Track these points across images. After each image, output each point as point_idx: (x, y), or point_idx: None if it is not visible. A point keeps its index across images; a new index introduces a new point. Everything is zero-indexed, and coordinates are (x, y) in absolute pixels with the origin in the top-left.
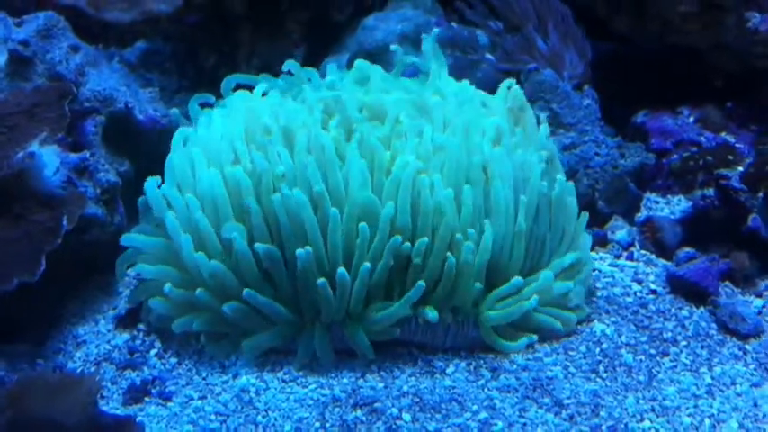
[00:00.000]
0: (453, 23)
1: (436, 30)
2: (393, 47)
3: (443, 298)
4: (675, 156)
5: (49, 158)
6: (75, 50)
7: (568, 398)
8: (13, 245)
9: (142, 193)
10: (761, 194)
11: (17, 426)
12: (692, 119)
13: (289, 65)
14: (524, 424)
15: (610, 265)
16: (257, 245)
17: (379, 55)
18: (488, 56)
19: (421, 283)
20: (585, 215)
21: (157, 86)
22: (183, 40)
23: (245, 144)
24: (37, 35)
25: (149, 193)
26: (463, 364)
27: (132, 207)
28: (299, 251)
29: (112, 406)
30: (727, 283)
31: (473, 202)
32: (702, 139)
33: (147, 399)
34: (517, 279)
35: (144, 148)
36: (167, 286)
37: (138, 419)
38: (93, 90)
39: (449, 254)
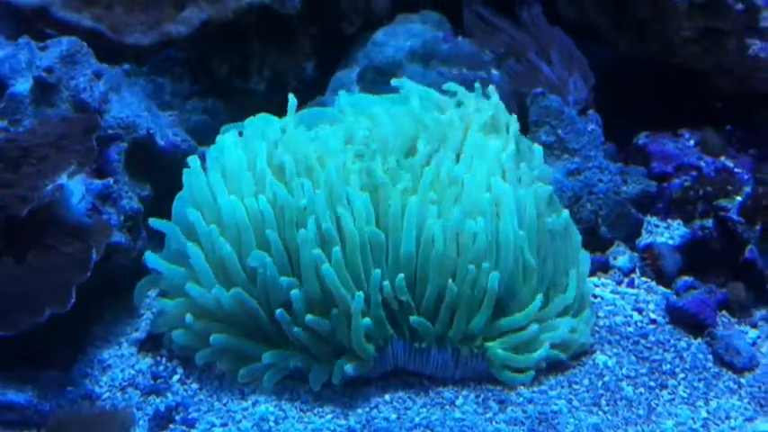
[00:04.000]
0: (460, 38)
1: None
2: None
3: (445, 330)
4: (676, 180)
5: (75, 186)
6: (98, 77)
7: None
8: (44, 276)
9: (162, 215)
10: (758, 227)
11: None
12: (692, 142)
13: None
14: None
15: (611, 292)
16: (282, 278)
17: (388, 71)
18: (494, 71)
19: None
20: (587, 256)
21: (168, 91)
22: (194, 48)
23: (270, 175)
24: (61, 61)
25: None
26: (472, 395)
27: (153, 230)
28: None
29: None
30: (724, 312)
31: (486, 236)
32: (702, 163)
33: (171, 426)
34: (519, 316)
35: (164, 173)
36: (188, 317)
37: None
38: (116, 117)
39: (451, 282)
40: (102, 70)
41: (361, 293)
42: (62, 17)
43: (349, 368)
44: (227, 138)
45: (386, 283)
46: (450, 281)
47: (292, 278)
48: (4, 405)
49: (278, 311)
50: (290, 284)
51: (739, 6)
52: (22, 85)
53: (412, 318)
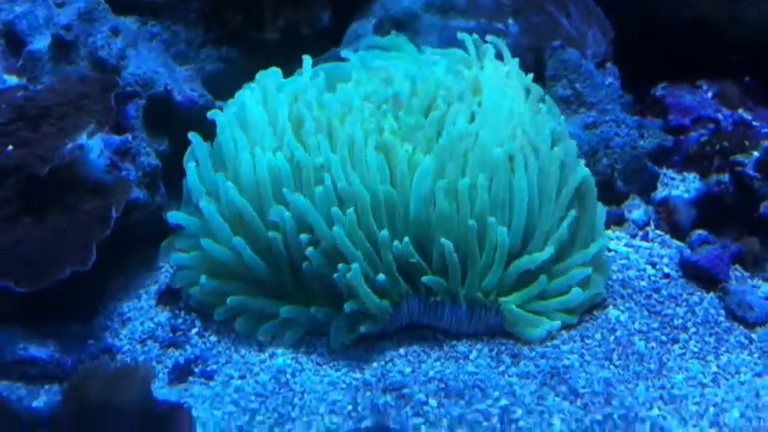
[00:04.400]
0: None
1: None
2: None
3: (458, 286)
4: (693, 134)
5: (94, 142)
6: (115, 34)
7: (583, 387)
8: (65, 235)
9: (180, 170)
10: None
11: (80, 413)
12: (710, 94)
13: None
14: (542, 412)
15: (626, 245)
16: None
17: (405, 23)
18: (511, 22)
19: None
20: (603, 211)
21: (183, 39)
22: None
23: (290, 132)
24: (78, 18)
25: (190, 179)
26: (485, 349)
27: (170, 184)
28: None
29: (159, 386)
30: (737, 266)
31: (490, 192)
32: (720, 116)
33: (190, 378)
34: (542, 279)
35: (181, 128)
36: (203, 278)
37: (186, 405)
38: (133, 74)
39: (444, 240)
40: (119, 26)
41: (357, 265)
42: None
43: (364, 327)
44: (247, 93)
45: (396, 243)
46: (443, 239)
47: (310, 235)
48: (27, 360)
49: (304, 264)
50: (308, 241)
51: None
52: (40, 43)
53: (424, 278)
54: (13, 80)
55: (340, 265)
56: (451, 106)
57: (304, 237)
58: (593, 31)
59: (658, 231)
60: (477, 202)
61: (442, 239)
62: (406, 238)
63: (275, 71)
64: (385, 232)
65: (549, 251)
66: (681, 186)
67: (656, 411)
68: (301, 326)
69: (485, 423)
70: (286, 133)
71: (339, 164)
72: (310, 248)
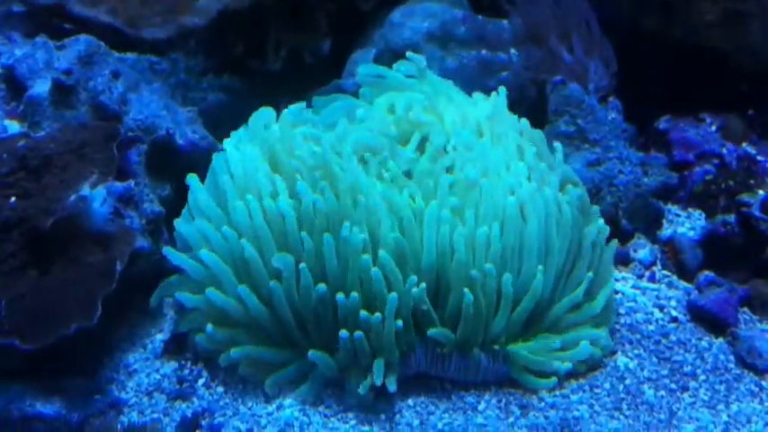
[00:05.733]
0: (480, 17)
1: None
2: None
3: (468, 336)
4: (698, 169)
5: (97, 192)
6: (116, 77)
7: None
8: (69, 289)
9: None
10: None
11: None
12: (713, 127)
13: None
14: None
15: (633, 287)
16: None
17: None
18: (514, 51)
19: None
20: (612, 248)
21: (183, 68)
22: (209, 28)
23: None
24: (79, 62)
25: (185, 233)
26: (494, 400)
27: (173, 229)
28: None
29: None
30: (745, 309)
31: (503, 242)
32: (724, 150)
33: (197, 431)
34: (554, 341)
35: (184, 171)
36: (209, 327)
37: None
38: (135, 119)
39: (467, 291)
40: (119, 70)
41: (395, 294)
42: (79, 12)
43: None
44: (232, 146)
45: (414, 290)
46: (466, 290)
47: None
48: (33, 416)
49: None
50: (326, 291)
51: None
52: (41, 87)
53: (432, 330)
54: (14, 125)
55: (362, 312)
56: (457, 153)
57: (321, 286)
58: (595, 64)
59: (665, 272)
60: (491, 250)
61: (465, 289)
62: (423, 284)
63: (268, 111)
64: (414, 277)
65: (562, 306)
66: (686, 223)
67: None
68: (316, 380)
69: None
70: (297, 179)
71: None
72: (340, 295)
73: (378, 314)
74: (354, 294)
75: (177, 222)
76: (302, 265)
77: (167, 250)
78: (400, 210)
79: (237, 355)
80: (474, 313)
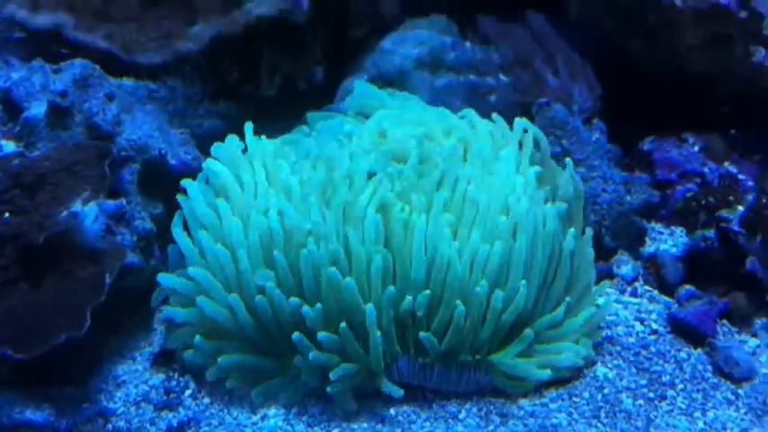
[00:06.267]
0: (468, 44)
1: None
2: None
3: (453, 346)
4: (680, 188)
5: (89, 209)
6: (110, 99)
7: None
8: (60, 301)
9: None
10: (758, 238)
11: None
12: (696, 147)
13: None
14: None
15: (615, 301)
16: (292, 299)
17: (396, 80)
18: (503, 77)
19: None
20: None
21: (181, 95)
22: (204, 52)
23: (275, 196)
24: (74, 85)
25: (181, 244)
26: (474, 409)
27: (165, 247)
28: (311, 308)
29: None
30: (724, 321)
31: (500, 258)
32: (706, 170)
33: None
34: (528, 332)
35: (176, 191)
36: (198, 339)
37: None
38: (128, 139)
39: (459, 303)
40: (113, 93)
41: (372, 305)
42: (75, 38)
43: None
44: (218, 163)
45: (408, 298)
46: (458, 302)
47: (299, 299)
48: (23, 423)
49: (295, 336)
50: (299, 305)
51: (743, 14)
52: (37, 109)
53: (421, 333)
54: (10, 145)
55: (342, 325)
56: (452, 167)
57: (294, 300)
58: (579, 88)
59: (647, 287)
60: (488, 267)
61: (458, 301)
62: (427, 292)
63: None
64: (392, 288)
65: (542, 324)
66: (669, 240)
67: None
68: (297, 390)
69: None
70: (270, 196)
71: (332, 226)
72: (305, 308)
73: (343, 324)
74: (319, 306)
75: (174, 231)
76: (270, 284)
77: (161, 276)
78: (392, 223)
79: (225, 363)
80: (464, 325)
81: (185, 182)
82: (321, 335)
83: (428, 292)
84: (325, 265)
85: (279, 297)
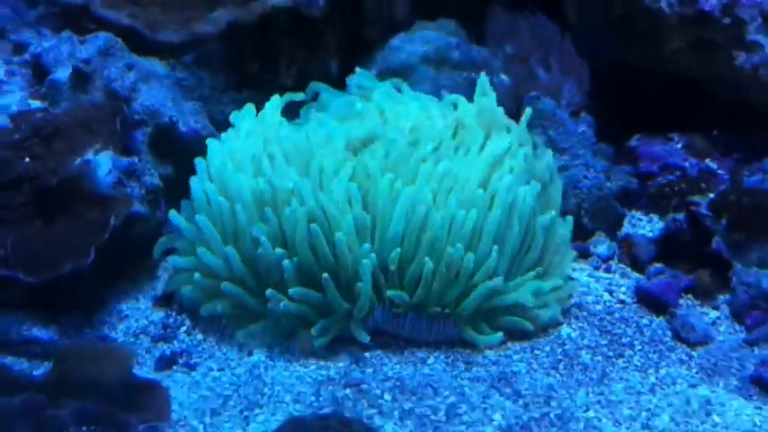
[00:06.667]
0: (473, 46)
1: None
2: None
3: (423, 300)
4: (660, 179)
5: (104, 161)
6: (129, 68)
7: (527, 389)
8: (69, 237)
9: (181, 193)
10: (723, 221)
11: (64, 381)
12: (680, 145)
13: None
14: (485, 408)
15: (588, 275)
16: (277, 249)
17: (402, 73)
18: (503, 76)
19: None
20: (570, 252)
21: (207, 84)
22: (230, 46)
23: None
24: (97, 54)
25: (193, 190)
26: (442, 356)
27: (176, 204)
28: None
29: (145, 371)
30: (689, 296)
31: (474, 225)
32: (687, 164)
33: (174, 367)
34: (497, 281)
35: (185, 155)
36: (196, 275)
37: (163, 384)
38: (142, 104)
39: (427, 259)
40: (133, 63)
41: (368, 261)
42: (102, 15)
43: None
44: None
45: (373, 255)
46: (426, 258)
47: (284, 250)
48: (30, 339)
49: (268, 292)
50: (282, 256)
51: (727, 20)
52: (62, 73)
53: (389, 291)
54: (36, 104)
55: (324, 275)
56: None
57: (279, 251)
58: (569, 84)
59: (621, 265)
60: (462, 231)
61: (426, 259)
62: (398, 249)
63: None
64: (368, 245)
65: (499, 281)
66: (647, 227)
67: (591, 413)
68: (278, 333)
69: (432, 416)
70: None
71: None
72: (286, 261)
73: (326, 275)
74: (295, 260)
75: (192, 180)
76: (263, 237)
77: (172, 213)
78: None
79: (226, 288)
80: (433, 280)
81: (209, 140)
82: (292, 290)
83: (399, 249)
84: (302, 221)
85: (268, 249)
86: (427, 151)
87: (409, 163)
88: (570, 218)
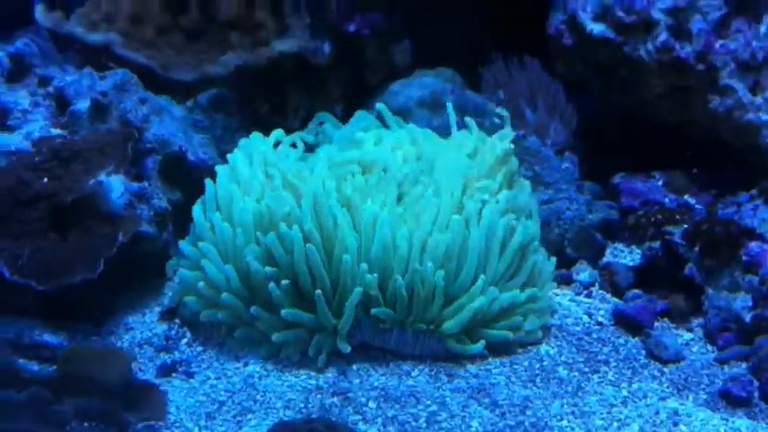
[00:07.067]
0: (468, 92)
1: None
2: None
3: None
4: (641, 212)
5: (117, 185)
6: (142, 102)
7: (504, 399)
8: (80, 250)
9: (189, 219)
10: (696, 248)
11: (67, 380)
12: (660, 182)
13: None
14: (464, 417)
15: (569, 300)
16: (267, 268)
17: (399, 115)
18: (496, 120)
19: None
20: (552, 263)
21: (221, 125)
22: (240, 89)
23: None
24: (114, 88)
25: (196, 217)
26: (426, 369)
27: (183, 228)
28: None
29: (146, 377)
30: (665, 319)
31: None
32: (666, 200)
33: (174, 374)
34: (474, 288)
35: (193, 183)
36: (201, 284)
37: (161, 387)
38: (154, 134)
39: (398, 277)
40: (147, 98)
41: (359, 289)
42: (121, 54)
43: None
44: (237, 158)
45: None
46: (398, 276)
47: (274, 269)
48: (41, 344)
49: (253, 309)
50: (273, 275)
51: (701, 66)
52: (82, 104)
53: (374, 309)
54: (57, 132)
55: (317, 291)
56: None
57: (269, 269)
58: (555, 123)
59: (601, 291)
60: (436, 253)
61: (396, 276)
62: (375, 275)
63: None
64: (365, 264)
65: (481, 300)
66: (628, 257)
67: (565, 423)
68: (273, 346)
69: (413, 423)
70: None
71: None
72: (272, 284)
73: (318, 291)
74: (284, 283)
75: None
76: (250, 258)
77: (181, 243)
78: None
79: (226, 300)
80: (408, 297)
81: (219, 167)
82: (285, 312)
83: (375, 274)
84: (299, 241)
85: (257, 270)
86: (405, 174)
87: (390, 186)
88: (554, 258)
